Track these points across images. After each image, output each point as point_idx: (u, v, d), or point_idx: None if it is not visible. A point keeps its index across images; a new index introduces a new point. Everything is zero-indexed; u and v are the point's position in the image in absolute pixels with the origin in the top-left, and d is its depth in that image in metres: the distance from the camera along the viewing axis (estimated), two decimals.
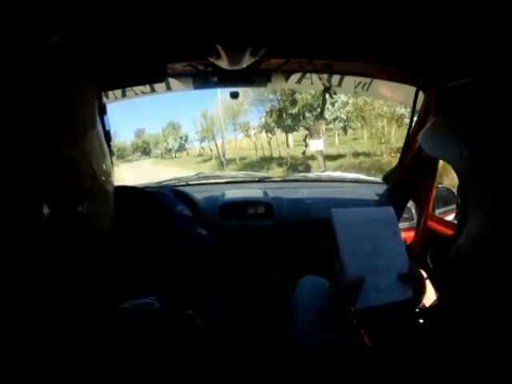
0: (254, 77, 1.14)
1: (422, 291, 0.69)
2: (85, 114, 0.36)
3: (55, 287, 0.32)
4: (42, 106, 0.31)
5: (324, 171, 1.89)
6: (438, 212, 1.24)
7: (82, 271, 0.35)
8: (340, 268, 0.68)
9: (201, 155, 24.15)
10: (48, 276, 0.31)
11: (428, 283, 0.70)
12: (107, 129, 0.44)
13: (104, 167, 0.37)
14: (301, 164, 12.87)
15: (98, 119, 0.38)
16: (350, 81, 1.24)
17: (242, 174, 1.78)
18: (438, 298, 0.68)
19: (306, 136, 11.99)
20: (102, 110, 0.43)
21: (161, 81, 1.09)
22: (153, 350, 0.34)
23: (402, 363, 0.51)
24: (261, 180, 1.69)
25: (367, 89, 1.26)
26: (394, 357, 0.53)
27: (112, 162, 0.42)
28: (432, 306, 0.68)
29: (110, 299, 0.38)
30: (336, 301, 0.69)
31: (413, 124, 1.16)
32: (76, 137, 0.34)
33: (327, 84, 1.19)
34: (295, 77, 1.24)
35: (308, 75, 1.24)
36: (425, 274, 0.71)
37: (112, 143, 0.48)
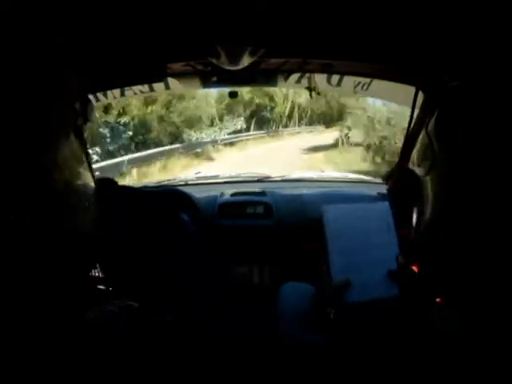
0: (254, 77, 1.14)
1: (410, 289, 0.67)
2: (61, 118, 0.37)
3: (27, 289, 0.32)
4: (20, 106, 0.31)
5: (323, 171, 1.88)
6: None
7: (54, 270, 0.35)
8: (326, 269, 0.68)
9: None
10: (20, 277, 0.31)
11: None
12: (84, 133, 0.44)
13: (78, 170, 0.38)
14: None
15: (73, 124, 0.39)
16: (349, 81, 1.24)
17: (241, 174, 1.78)
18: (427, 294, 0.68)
19: None
20: (80, 114, 0.42)
21: (160, 81, 1.09)
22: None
23: (385, 362, 0.51)
24: (260, 180, 1.68)
25: (367, 89, 1.26)
26: (375, 356, 0.53)
27: (90, 166, 0.42)
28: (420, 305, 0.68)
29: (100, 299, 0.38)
30: (321, 303, 0.68)
31: (412, 124, 1.16)
32: (50, 139, 0.34)
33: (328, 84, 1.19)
34: (295, 77, 1.24)
35: (308, 75, 1.24)
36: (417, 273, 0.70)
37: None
